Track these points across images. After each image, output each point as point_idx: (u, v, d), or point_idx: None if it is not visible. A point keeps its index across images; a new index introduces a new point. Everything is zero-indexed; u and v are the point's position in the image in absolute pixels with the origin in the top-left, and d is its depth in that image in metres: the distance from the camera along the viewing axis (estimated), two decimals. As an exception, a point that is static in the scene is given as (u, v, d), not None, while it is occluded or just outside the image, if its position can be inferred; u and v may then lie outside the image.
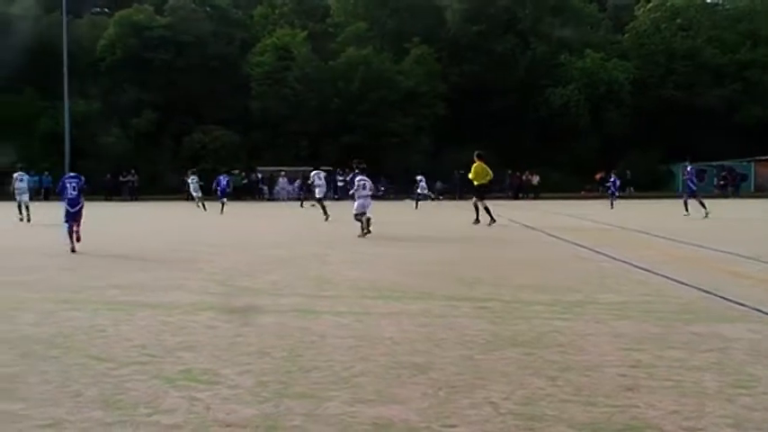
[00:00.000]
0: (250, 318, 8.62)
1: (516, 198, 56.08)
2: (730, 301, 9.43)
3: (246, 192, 57.90)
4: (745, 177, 62.67)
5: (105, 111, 61.99)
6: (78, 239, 17.10)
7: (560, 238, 19.31)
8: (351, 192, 22.79)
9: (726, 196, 54.32)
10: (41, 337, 7.65)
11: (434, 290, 10.68)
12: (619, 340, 7.36)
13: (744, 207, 39.26)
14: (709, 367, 6.29)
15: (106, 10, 75.17)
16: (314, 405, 5.30)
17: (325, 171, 33.05)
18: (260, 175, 59.20)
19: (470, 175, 26.70)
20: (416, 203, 41.46)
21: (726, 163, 61.30)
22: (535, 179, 58.55)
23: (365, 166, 22.82)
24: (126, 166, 57.93)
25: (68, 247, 16.77)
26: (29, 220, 28.19)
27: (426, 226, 25.58)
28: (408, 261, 14.56)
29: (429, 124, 60.58)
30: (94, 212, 25.89)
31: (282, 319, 8.56)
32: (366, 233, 20.77)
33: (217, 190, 38.19)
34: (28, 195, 29.84)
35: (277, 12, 70.54)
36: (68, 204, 17.49)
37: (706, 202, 28.54)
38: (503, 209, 32.66)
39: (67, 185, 17.77)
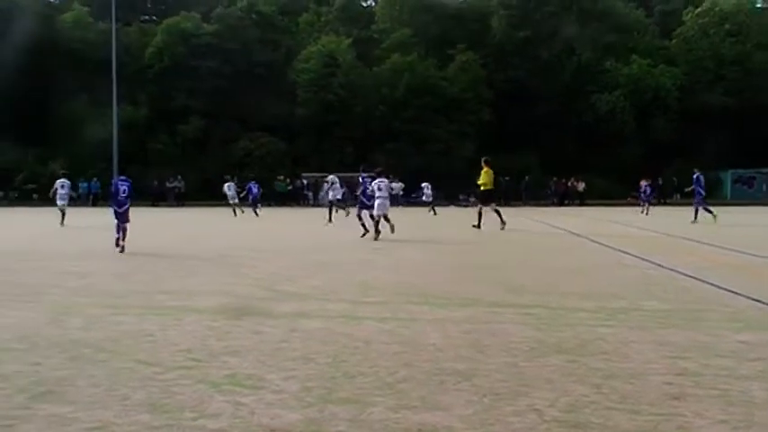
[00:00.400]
0: (295, 323, 8.66)
1: (561, 204, 55.73)
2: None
3: (291, 198, 58.20)
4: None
5: (153, 117, 62.76)
6: (124, 237, 18.17)
7: (605, 245, 19.17)
8: (357, 194, 23.75)
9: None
10: (90, 341, 7.75)
11: (479, 296, 10.66)
12: (664, 348, 7.30)
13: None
14: (757, 376, 6.23)
15: (154, 18, 76.09)
16: (358, 410, 5.32)
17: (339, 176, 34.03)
18: (305, 182, 59.41)
19: (479, 181, 27.34)
20: (432, 209, 41.41)
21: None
22: (580, 186, 58.09)
23: (383, 169, 24.48)
24: (172, 172, 58.50)
25: (116, 247, 18.10)
26: (62, 224, 28.95)
27: (472, 232, 25.49)
28: (453, 267, 14.54)
29: (473, 130, 60.38)
30: (141, 218, 26.22)
31: (327, 324, 8.59)
32: (377, 238, 21.75)
33: (248, 197, 39.92)
34: (66, 202, 30.84)
35: (322, 19, 70.86)
36: (116, 205, 18.85)
37: (756, 209, 28.27)
38: (547, 215, 32.52)
39: (119, 187, 19.13)
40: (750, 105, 59.39)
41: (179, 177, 58.76)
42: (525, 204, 54.60)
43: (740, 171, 62.16)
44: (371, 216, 22.33)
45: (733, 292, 10.71)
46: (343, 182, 27.93)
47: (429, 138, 59.05)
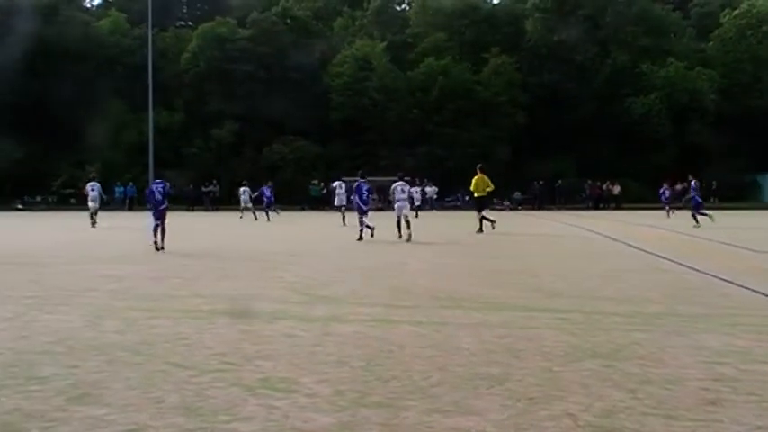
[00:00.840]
0: (328, 327, 8.69)
1: (596, 208, 55.38)
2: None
3: (325, 202, 58.23)
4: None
5: (188, 122, 63.16)
6: (163, 237, 19.51)
7: (641, 249, 19.05)
8: (351, 198, 24.80)
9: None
10: (126, 344, 7.83)
11: (513, 300, 10.64)
12: (700, 353, 7.25)
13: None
14: (795, 382, 6.16)
15: (190, 23, 76.64)
16: (391, 414, 5.32)
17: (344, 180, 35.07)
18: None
19: (471, 188, 27.82)
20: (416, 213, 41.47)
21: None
22: (616, 189, 57.67)
23: (403, 174, 26.22)
24: (208, 177, 58.84)
25: (153, 246, 19.35)
26: (93, 226, 30.77)
27: (506, 237, 25.42)
28: (487, 271, 14.53)
29: (508, 134, 60.17)
30: (177, 222, 26.37)
31: (361, 328, 8.60)
32: (401, 236, 23.03)
33: (262, 200, 40.62)
34: (98, 204, 32.65)
35: (357, 23, 71.01)
36: (155, 206, 20.17)
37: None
38: (582, 219, 32.35)
39: (154, 189, 20.54)
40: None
41: (214, 182, 59.07)
42: (559, 208, 54.33)
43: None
44: (361, 222, 23.31)
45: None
46: (369, 186, 27.92)
47: (463, 141, 58.88)
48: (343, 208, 32.74)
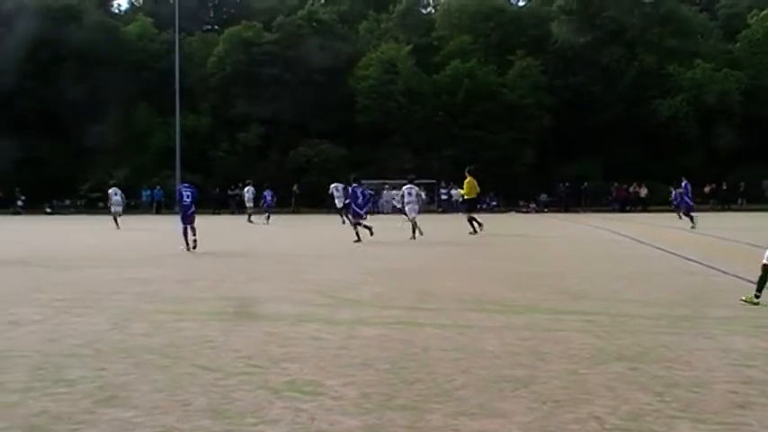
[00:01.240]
0: (354, 329, 8.70)
1: (623, 211, 55.07)
2: None
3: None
4: None
5: (214, 125, 63.42)
6: (195, 235, 20.52)
7: (669, 252, 18.94)
8: (347, 201, 25.96)
9: None
10: (153, 346, 7.88)
11: (538, 303, 10.61)
12: (728, 356, 7.20)
13: None
14: (823, 386, 6.11)
15: (216, 27, 76.98)
16: (416, 417, 5.33)
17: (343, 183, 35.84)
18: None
19: (463, 191, 28.98)
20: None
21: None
22: (643, 191, 57.27)
23: (413, 177, 27.84)
24: (234, 180, 59.02)
25: (183, 248, 20.24)
26: (117, 227, 32.74)
27: (532, 239, 25.37)
28: (512, 274, 14.49)
29: (534, 137, 59.96)
30: (203, 225, 26.45)
31: (386, 331, 8.61)
32: (414, 237, 24.13)
33: (263, 204, 41.59)
34: (121, 208, 35.38)
35: (382, 26, 70.97)
36: (183, 209, 20.95)
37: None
38: (608, 222, 32.21)
39: (183, 193, 21.37)
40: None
41: (240, 185, 59.25)
42: (585, 211, 54.09)
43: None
44: (356, 224, 24.05)
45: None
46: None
47: (489, 144, 58.76)
48: (343, 209, 33.80)
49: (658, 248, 20.14)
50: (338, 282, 13.40)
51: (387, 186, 58.00)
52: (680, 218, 33.35)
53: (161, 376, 6.59)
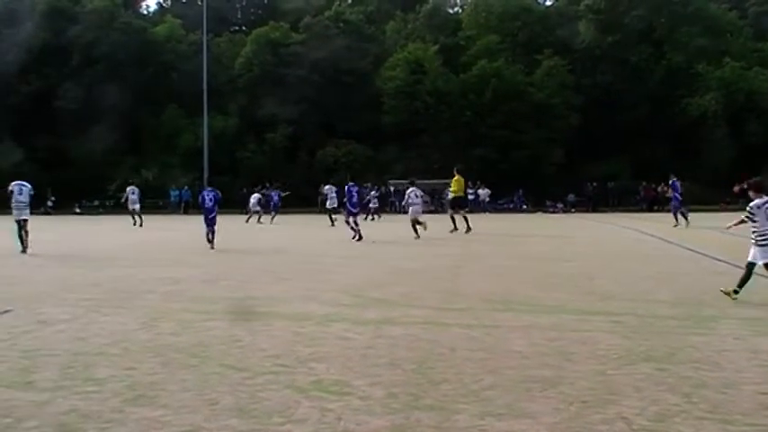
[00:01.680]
0: (381, 329, 8.70)
1: (651, 211, 54.67)
2: None
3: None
4: None
5: (242, 126, 63.62)
6: (213, 238, 21.59)
7: (697, 252, 18.81)
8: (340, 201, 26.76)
9: None
10: (181, 346, 7.93)
11: (566, 303, 10.57)
12: (757, 357, 7.15)
13: None
14: None
15: (244, 28, 77.29)
16: (443, 417, 5.33)
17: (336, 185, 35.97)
18: (392, 188, 59.32)
19: (451, 189, 29.49)
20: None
21: None
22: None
23: (414, 179, 28.86)
24: (261, 180, 59.19)
25: (208, 247, 21.24)
26: (141, 225, 34.73)
27: (559, 239, 25.27)
28: (540, 274, 14.42)
29: (561, 136, 59.65)
30: (232, 226, 26.63)
31: (412, 330, 8.61)
32: (417, 237, 24.60)
33: (269, 204, 42.65)
34: (139, 206, 36.93)
35: (409, 26, 70.91)
36: (206, 213, 21.94)
37: None
38: (636, 221, 32.03)
39: (205, 197, 22.27)
40: None
41: (267, 185, 59.41)
42: (613, 210, 53.76)
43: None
44: (354, 223, 24.67)
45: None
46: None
47: (516, 143, 58.59)
48: (333, 210, 34.47)
49: (686, 248, 19.99)
50: (365, 281, 13.41)
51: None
52: (676, 219, 32.94)
53: (189, 375, 6.63)
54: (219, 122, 62.30)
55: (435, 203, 58.67)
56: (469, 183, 56.81)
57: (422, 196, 27.42)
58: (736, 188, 47.06)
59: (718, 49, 62.35)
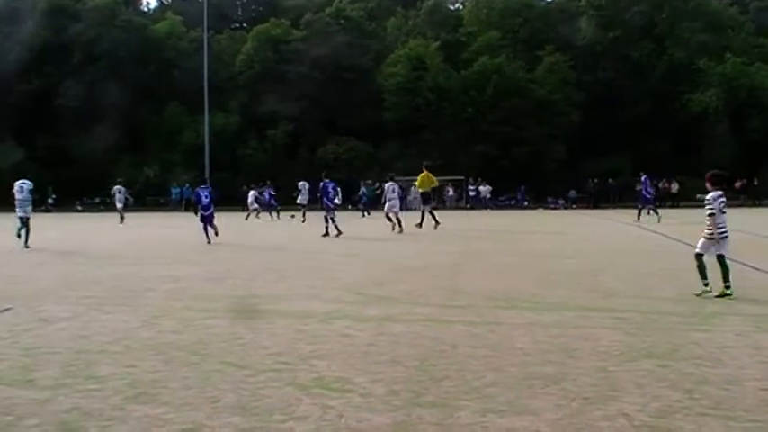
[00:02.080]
0: (382, 326, 8.69)
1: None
2: None
3: (379, 201, 58.08)
4: None
5: (243, 123, 63.65)
6: (216, 234, 22.56)
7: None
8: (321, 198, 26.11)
9: None
10: (182, 344, 7.92)
11: (569, 300, 10.56)
12: (760, 353, 7.14)
13: None
14: None
15: (245, 25, 77.31)
16: (445, 414, 5.32)
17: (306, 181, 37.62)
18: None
19: (416, 183, 29.99)
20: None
21: None
22: (674, 187, 56.70)
23: (394, 174, 30.24)
24: (263, 178, 59.16)
25: (205, 242, 22.01)
26: (121, 222, 35.38)
27: (560, 236, 25.26)
28: (542, 271, 14.40)
29: (563, 133, 59.62)
30: (233, 223, 26.62)
31: (414, 327, 8.60)
32: (394, 230, 25.86)
33: (264, 203, 43.82)
34: (123, 205, 37.73)
35: (410, 23, 70.89)
36: (202, 210, 22.79)
37: None
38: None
39: (201, 194, 23.13)
40: None
41: (268, 182, 59.38)
42: (614, 207, 53.73)
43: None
44: (331, 219, 25.10)
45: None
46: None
47: (517, 140, 58.56)
48: (305, 206, 36.58)
49: (689, 245, 19.90)
50: (366, 279, 13.39)
51: (415, 183, 57.88)
52: (648, 213, 32.95)
53: (190, 373, 6.63)
54: (220, 120, 62.32)
55: (436, 200, 58.79)
56: (470, 179, 57.20)
57: (398, 191, 28.32)
58: (738, 184, 47.45)
59: (719, 45, 62.27)
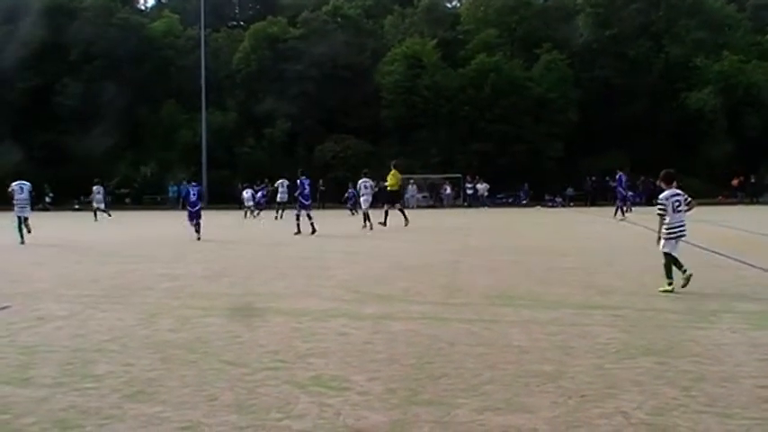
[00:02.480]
0: (380, 324, 8.70)
1: (650, 204, 54.61)
2: None
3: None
4: None
5: (240, 121, 63.59)
6: (198, 230, 23.09)
7: (696, 246, 18.76)
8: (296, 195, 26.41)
9: None
10: (180, 342, 7.92)
11: (565, 298, 10.57)
12: (756, 350, 7.15)
13: None
14: None
15: (242, 23, 77.27)
16: (442, 412, 5.32)
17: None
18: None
19: (387, 182, 30.12)
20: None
21: None
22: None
23: (367, 171, 30.22)
24: (260, 176, 59.16)
25: (192, 238, 22.68)
26: (96, 220, 36.56)
27: (558, 234, 25.27)
28: (540, 268, 14.42)
29: (561, 131, 59.56)
30: (230, 221, 26.58)
31: (412, 326, 8.61)
32: (370, 227, 26.42)
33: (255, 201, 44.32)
34: (103, 204, 38.97)
35: (407, 21, 70.83)
36: (189, 206, 23.78)
37: None
38: (635, 215, 32.02)
39: (190, 191, 24.17)
40: None
41: (266, 181, 59.38)
42: (611, 204, 53.74)
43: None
44: (307, 216, 25.27)
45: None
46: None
47: (515, 138, 58.53)
48: (282, 204, 37.85)
49: (686, 242, 19.95)
50: (364, 277, 13.41)
51: (412, 181, 57.89)
52: (622, 213, 33.00)
53: (188, 371, 6.63)
54: (218, 118, 62.27)
55: (434, 198, 58.79)
56: (468, 177, 57.19)
57: (371, 187, 28.82)
58: (735, 181, 47.56)
59: (716, 43, 62.35)
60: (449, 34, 68.91)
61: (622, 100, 59.37)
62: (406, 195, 57.43)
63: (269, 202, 45.01)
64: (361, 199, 27.95)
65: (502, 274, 13.82)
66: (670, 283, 10.88)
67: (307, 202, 25.59)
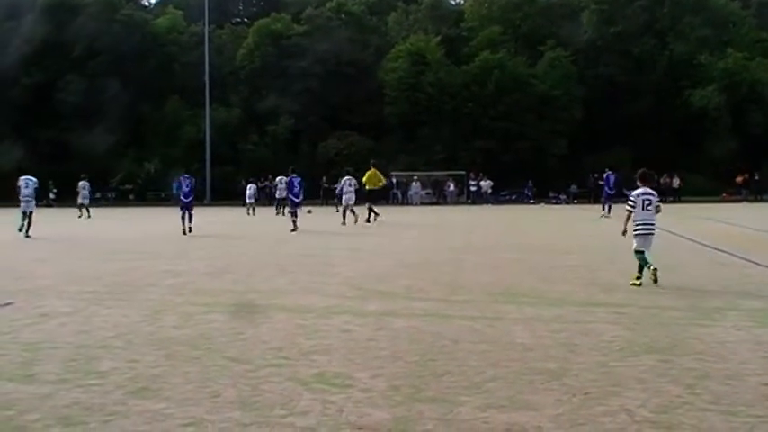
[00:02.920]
0: (383, 321, 8.69)
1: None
2: None
3: (381, 196, 58.08)
4: None
5: (244, 118, 63.64)
6: (190, 221, 23.35)
7: (700, 243, 18.78)
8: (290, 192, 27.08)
9: None
10: (183, 338, 7.92)
11: (569, 295, 10.56)
12: (761, 348, 7.14)
13: None
14: None
15: (246, 20, 77.30)
16: (446, 410, 5.32)
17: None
18: (394, 180, 59.22)
19: (363, 180, 30.40)
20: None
21: None
22: (675, 182, 56.62)
23: (351, 169, 31.00)
24: (264, 172, 59.18)
25: (181, 230, 23.11)
26: (79, 217, 36.51)
27: (561, 231, 25.25)
28: (543, 265, 14.40)
29: (565, 128, 59.56)
30: (234, 218, 26.58)
31: (415, 323, 8.60)
32: (344, 224, 27.38)
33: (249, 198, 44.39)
34: (88, 200, 38.80)
35: (411, 17, 70.86)
36: (182, 197, 23.91)
37: None
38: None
39: (182, 182, 24.31)
40: None
41: (270, 177, 59.39)
42: (615, 202, 53.66)
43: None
44: (291, 213, 25.96)
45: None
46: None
47: (519, 135, 58.55)
48: (282, 201, 38.00)
49: (690, 240, 19.96)
50: (367, 274, 13.40)
51: (415, 178, 57.90)
52: (608, 210, 33.01)
53: (191, 368, 6.63)
54: (221, 114, 62.35)
55: (437, 195, 58.73)
56: (471, 174, 57.17)
57: (354, 185, 29.38)
58: (739, 179, 47.60)
59: (720, 40, 62.32)
60: (452, 31, 68.94)
61: (626, 97, 59.36)
62: (410, 192, 57.51)
63: (269, 199, 45.00)
64: (344, 197, 28.65)
65: (505, 271, 13.81)
66: (639, 278, 11.22)
67: (297, 200, 26.04)
